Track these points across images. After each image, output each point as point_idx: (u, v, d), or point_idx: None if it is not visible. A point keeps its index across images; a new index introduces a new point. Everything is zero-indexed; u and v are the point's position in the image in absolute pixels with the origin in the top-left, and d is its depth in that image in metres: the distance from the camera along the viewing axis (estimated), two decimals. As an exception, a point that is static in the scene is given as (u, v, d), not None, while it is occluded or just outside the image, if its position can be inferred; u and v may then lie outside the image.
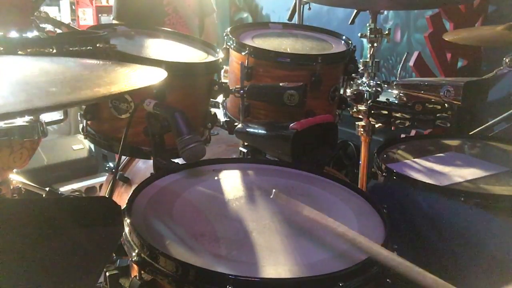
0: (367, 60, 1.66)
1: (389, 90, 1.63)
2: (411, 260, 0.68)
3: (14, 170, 1.19)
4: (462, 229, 1.02)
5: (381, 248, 0.74)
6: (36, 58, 0.86)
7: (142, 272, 0.76)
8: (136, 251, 0.76)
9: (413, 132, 2.38)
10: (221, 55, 1.41)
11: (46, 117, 1.18)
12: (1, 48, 0.96)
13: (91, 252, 0.70)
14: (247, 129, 1.27)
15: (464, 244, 1.00)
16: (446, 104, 1.45)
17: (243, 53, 1.41)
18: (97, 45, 1.09)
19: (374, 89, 1.62)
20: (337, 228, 0.80)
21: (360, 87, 1.63)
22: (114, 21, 2.54)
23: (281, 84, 1.32)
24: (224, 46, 1.51)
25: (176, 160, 1.17)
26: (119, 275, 0.87)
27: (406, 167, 1.30)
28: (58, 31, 1.38)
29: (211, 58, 1.40)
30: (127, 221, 0.82)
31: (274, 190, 0.91)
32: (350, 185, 1.07)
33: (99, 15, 5.62)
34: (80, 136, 2.18)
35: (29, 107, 0.49)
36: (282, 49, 1.47)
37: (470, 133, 1.90)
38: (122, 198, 1.48)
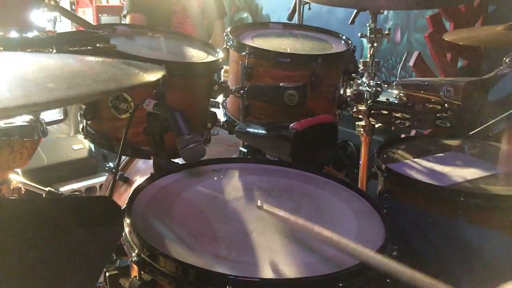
0: (367, 60, 1.66)
1: (389, 90, 1.63)
2: (410, 263, 0.67)
3: (14, 170, 1.19)
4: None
5: (374, 253, 0.73)
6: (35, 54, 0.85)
7: (142, 272, 0.76)
8: (136, 251, 0.76)
9: (413, 132, 2.37)
10: (221, 55, 1.41)
11: (46, 117, 1.18)
12: (1, 48, 0.97)
13: (91, 252, 0.70)
14: (247, 129, 1.27)
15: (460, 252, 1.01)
16: (446, 104, 1.45)
17: (243, 53, 1.41)
18: (97, 45, 1.09)
19: (374, 89, 1.62)
20: (330, 237, 0.78)
21: (360, 87, 1.63)
22: (127, 15, 2.52)
23: (281, 84, 1.32)
24: (224, 46, 1.51)
25: (176, 160, 1.17)
26: (119, 275, 0.88)
27: (406, 167, 1.29)
28: (58, 30, 1.38)
29: (211, 58, 1.40)
30: (127, 221, 0.82)
31: (259, 202, 0.89)
32: (350, 185, 1.07)
33: (99, 15, 5.60)
34: (80, 136, 2.17)
35: (26, 102, 0.49)
36: (282, 49, 1.47)
37: (470, 133, 1.90)
38: (122, 198, 1.48)
